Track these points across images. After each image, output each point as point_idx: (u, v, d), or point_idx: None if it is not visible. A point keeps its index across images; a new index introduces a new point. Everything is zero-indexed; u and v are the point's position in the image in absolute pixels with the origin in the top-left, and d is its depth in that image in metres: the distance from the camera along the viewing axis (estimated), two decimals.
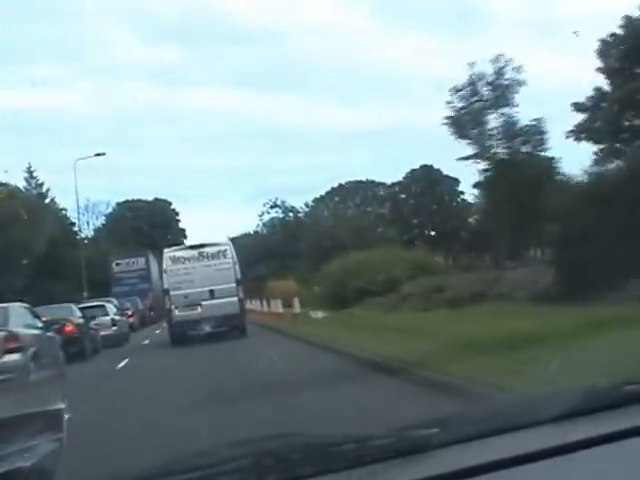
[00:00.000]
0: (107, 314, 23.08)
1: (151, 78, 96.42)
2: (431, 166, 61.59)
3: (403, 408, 6.48)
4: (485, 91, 30.14)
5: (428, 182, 61.98)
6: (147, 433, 6.79)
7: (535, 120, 29.65)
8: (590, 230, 14.62)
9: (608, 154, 28.68)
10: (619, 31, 28.18)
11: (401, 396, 7.58)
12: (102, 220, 68.06)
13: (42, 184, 50.04)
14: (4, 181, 41.21)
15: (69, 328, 17.13)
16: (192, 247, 20.98)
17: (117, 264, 46.92)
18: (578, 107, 30.23)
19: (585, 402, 1.53)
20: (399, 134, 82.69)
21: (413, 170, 62.90)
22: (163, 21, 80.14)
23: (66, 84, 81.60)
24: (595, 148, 30.23)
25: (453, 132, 30.22)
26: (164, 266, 20.19)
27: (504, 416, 1.60)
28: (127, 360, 16.41)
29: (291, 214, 69.31)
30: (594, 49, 28.41)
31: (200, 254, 19.86)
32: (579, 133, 30.48)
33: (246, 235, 71.02)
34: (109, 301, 27.00)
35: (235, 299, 19.66)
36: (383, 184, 66.07)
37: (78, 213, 48.90)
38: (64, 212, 50.65)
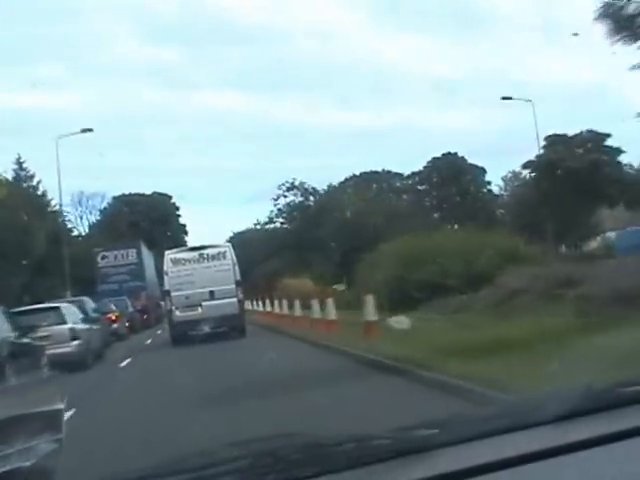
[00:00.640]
0: (63, 321, 15.28)
1: (151, 78, 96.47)
2: (455, 154, 54.77)
3: None
4: None
5: (452, 172, 54.56)
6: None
7: None
8: None
9: None
10: None
11: None
12: (97, 215, 63.99)
13: (32, 176, 46.17)
14: None
15: None
16: (192, 249, 21.52)
17: (103, 257, 39.17)
18: None
19: (585, 402, 1.53)
20: (399, 134, 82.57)
21: (435, 159, 55.93)
22: (163, 21, 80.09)
23: (65, 84, 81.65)
24: None
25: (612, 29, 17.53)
26: (165, 267, 20.57)
27: (504, 416, 1.61)
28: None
29: (312, 197, 60.05)
30: None
31: (200, 256, 20.33)
32: None
33: (252, 230, 66.61)
34: (76, 302, 19.38)
35: (235, 300, 20.07)
36: (400, 175, 59.41)
37: (60, 194, 41.77)
38: (54, 205, 46.08)
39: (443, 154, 54.97)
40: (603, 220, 39.87)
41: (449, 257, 21.36)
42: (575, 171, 34.01)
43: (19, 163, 45.86)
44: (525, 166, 38.94)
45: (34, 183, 45.66)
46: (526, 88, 66.31)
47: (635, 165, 38.37)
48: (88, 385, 12.04)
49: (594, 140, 36.50)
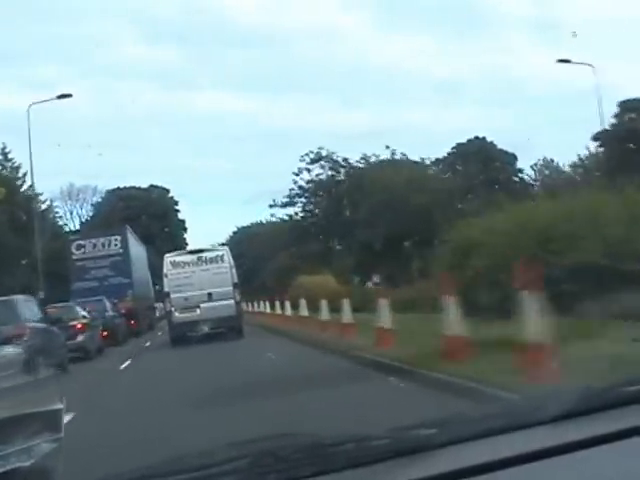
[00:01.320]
0: None
1: (151, 79, 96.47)
2: (484, 139, 49.07)
3: None
4: None
5: (479, 158, 48.52)
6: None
7: None
8: None
9: None
10: None
11: None
12: (90, 210, 59.34)
13: (19, 167, 43.11)
14: None
15: None
16: (191, 252, 22.51)
17: (79, 247, 30.94)
18: None
19: (584, 402, 1.53)
20: (398, 135, 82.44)
21: (460, 144, 49.67)
22: (163, 23, 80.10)
23: (65, 85, 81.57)
24: None
25: None
26: (165, 270, 21.28)
27: (504, 416, 1.61)
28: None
29: (343, 170, 48.82)
30: None
31: (199, 259, 21.20)
32: None
33: (257, 224, 64.06)
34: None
35: (232, 302, 20.77)
36: (419, 163, 49.03)
37: (31, 172, 34.54)
38: (40, 198, 43.51)
39: (469, 139, 48.53)
40: None
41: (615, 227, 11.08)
42: None
43: (4, 154, 43.52)
44: (596, 138, 33.86)
45: (20, 175, 43.12)
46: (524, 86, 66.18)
47: None
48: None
49: None
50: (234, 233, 68.85)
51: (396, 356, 9.47)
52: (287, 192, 50.19)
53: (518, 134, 76.02)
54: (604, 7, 60.04)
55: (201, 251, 21.96)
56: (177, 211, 68.98)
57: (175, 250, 25.86)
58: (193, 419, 6.97)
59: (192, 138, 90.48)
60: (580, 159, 45.02)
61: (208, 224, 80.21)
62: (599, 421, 1.46)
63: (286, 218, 53.45)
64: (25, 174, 42.23)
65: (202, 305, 20.39)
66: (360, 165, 48.07)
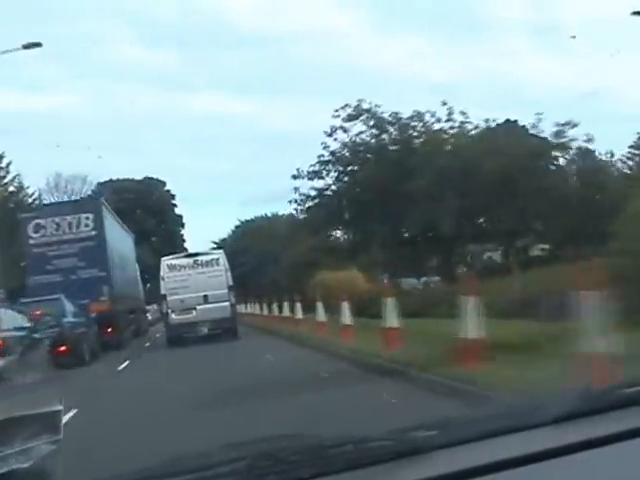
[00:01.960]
0: None
1: (148, 81, 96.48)
2: (515, 122, 40.13)
3: None
4: None
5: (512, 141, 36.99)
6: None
7: None
8: None
9: None
10: None
11: None
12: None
13: (2, 157, 40.99)
14: None
15: None
16: (187, 256, 23.09)
17: (37, 228, 22.83)
18: None
19: (584, 404, 1.53)
20: None
21: (489, 129, 41.27)
22: (161, 25, 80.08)
23: (63, 87, 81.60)
24: None
25: None
26: (162, 273, 21.78)
27: (504, 418, 1.61)
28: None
29: (391, 128, 36.26)
30: None
31: (195, 262, 21.91)
32: None
33: (261, 218, 61.22)
34: None
35: (227, 304, 21.46)
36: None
37: None
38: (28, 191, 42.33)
39: (498, 124, 39.62)
40: None
41: None
42: None
43: None
44: None
45: (3, 165, 41.10)
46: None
47: None
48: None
49: None
50: (236, 227, 65.32)
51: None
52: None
53: None
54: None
55: (197, 254, 22.80)
56: (174, 205, 65.09)
57: (171, 247, 26.85)
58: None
59: (190, 139, 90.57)
60: None
61: (206, 221, 78.32)
62: (600, 423, 1.46)
63: (281, 216, 50.40)
64: (9, 164, 41.15)
65: (198, 307, 21.12)
66: (415, 124, 36.45)
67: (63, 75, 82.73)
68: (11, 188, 42.17)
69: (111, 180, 57.16)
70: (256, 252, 52.42)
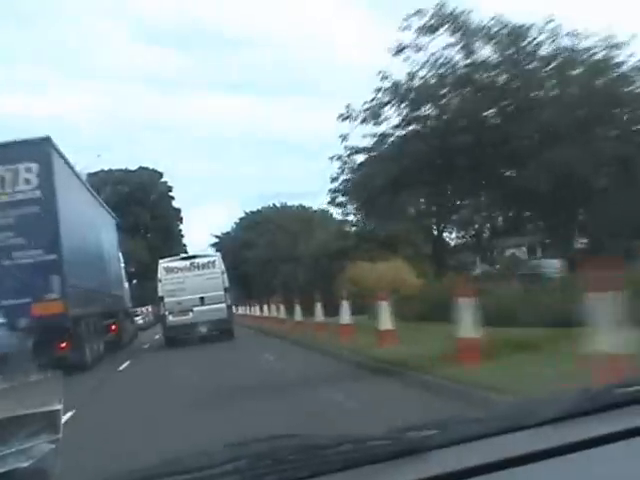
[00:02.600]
0: None
1: (146, 82, 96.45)
2: None
3: None
4: None
5: None
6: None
7: None
8: None
9: None
10: None
11: None
12: None
13: None
14: None
15: None
16: (184, 258, 23.46)
17: None
18: None
19: (583, 403, 1.53)
20: None
21: None
22: (162, 27, 79.96)
23: (62, 85, 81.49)
24: None
25: None
26: (159, 275, 22.20)
27: (503, 418, 1.61)
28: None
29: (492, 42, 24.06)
30: None
31: (191, 264, 22.32)
32: None
33: (269, 208, 57.66)
34: None
35: (223, 305, 21.93)
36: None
37: None
38: None
39: None
40: None
41: None
42: None
43: None
44: None
45: None
46: None
47: None
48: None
49: None
50: (240, 220, 60.93)
51: None
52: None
53: None
54: None
55: (194, 257, 23.24)
56: (171, 198, 60.55)
57: (168, 243, 27.01)
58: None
59: (188, 139, 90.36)
60: None
61: (206, 213, 76.96)
62: (598, 422, 1.46)
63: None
64: None
65: (195, 309, 21.57)
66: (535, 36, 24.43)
67: (60, 75, 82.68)
68: None
69: (102, 170, 52.10)
70: (265, 246, 48.34)
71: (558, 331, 8.52)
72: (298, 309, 22.18)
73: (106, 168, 54.90)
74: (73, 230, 16.41)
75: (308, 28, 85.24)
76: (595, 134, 22.42)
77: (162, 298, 22.06)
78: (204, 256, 23.79)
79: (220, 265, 22.66)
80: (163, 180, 60.41)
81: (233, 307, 24.11)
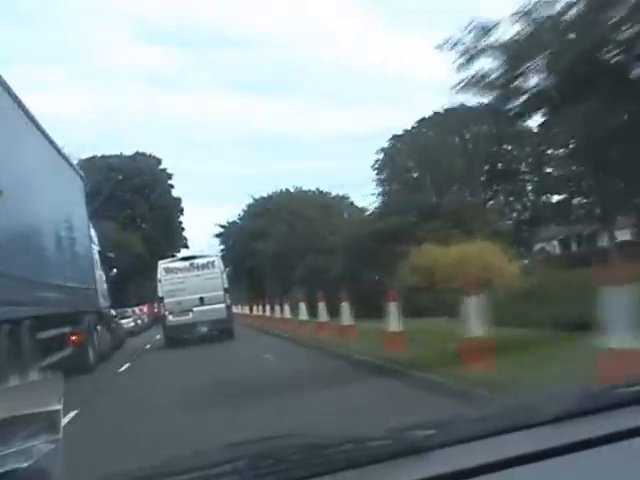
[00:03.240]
0: None
1: (144, 81, 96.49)
2: None
3: None
4: None
5: None
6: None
7: None
8: None
9: None
10: None
11: None
12: None
13: None
14: None
15: None
16: (184, 259, 23.81)
17: None
18: None
19: (583, 403, 1.53)
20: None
21: None
22: (161, 25, 79.98)
23: (63, 86, 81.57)
24: None
25: None
26: (159, 276, 22.41)
27: (503, 417, 1.60)
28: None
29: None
30: None
31: (191, 265, 22.55)
32: None
33: (280, 193, 50.88)
34: None
35: (223, 305, 22.15)
36: None
37: None
38: None
39: None
40: None
41: None
42: None
43: None
44: None
45: None
46: None
47: None
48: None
49: None
50: (248, 207, 53.36)
51: None
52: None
53: None
54: None
55: (193, 257, 23.49)
56: (171, 187, 54.28)
57: (166, 236, 27.40)
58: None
59: (187, 139, 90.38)
60: None
61: (209, 203, 75.45)
62: (599, 422, 1.46)
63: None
64: None
65: (194, 309, 21.76)
66: None
67: (59, 75, 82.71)
68: None
69: (95, 156, 47.65)
70: (279, 236, 41.16)
71: None
72: (323, 309, 16.71)
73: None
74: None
75: (308, 28, 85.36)
76: None
77: (162, 298, 22.28)
78: (204, 256, 24.07)
79: (220, 265, 22.94)
80: (162, 167, 53.45)
81: (240, 307, 25.08)
